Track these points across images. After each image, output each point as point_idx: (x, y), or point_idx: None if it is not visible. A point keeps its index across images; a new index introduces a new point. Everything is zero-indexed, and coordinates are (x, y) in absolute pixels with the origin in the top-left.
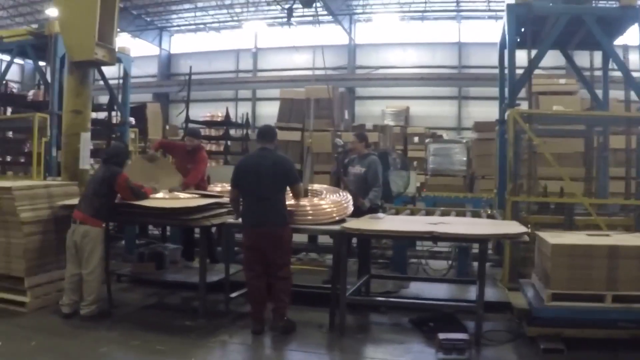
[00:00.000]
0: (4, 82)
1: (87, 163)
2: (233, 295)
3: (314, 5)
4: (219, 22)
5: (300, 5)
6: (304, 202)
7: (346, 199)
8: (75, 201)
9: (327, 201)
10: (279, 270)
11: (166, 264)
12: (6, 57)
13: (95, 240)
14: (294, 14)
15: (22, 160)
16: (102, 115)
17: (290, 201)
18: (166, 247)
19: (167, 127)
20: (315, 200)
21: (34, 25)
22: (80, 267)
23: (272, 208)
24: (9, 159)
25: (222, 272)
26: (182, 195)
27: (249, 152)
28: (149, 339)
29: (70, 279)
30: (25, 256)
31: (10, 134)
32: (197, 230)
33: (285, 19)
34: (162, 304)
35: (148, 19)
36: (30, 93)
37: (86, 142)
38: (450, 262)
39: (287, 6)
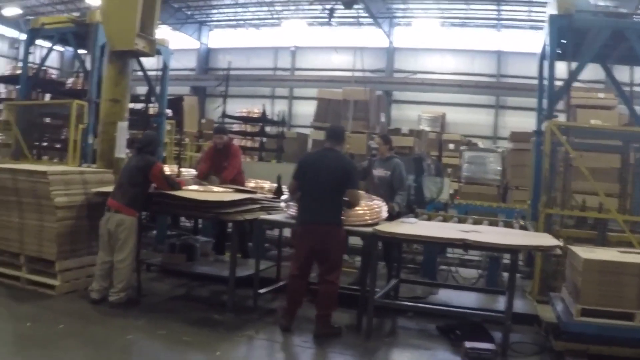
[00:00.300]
0: (44, 68)
1: (122, 152)
2: (262, 291)
3: (354, 7)
4: (259, 19)
5: (341, 6)
6: None
7: (379, 205)
8: (109, 189)
9: (361, 205)
10: (327, 274)
11: (197, 256)
12: (47, 44)
13: (130, 229)
14: (335, 15)
15: (58, 146)
16: (139, 106)
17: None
18: (198, 239)
19: (203, 120)
20: None
21: (76, 14)
22: (112, 254)
23: (328, 207)
24: (45, 144)
25: (252, 268)
26: (215, 188)
27: (314, 150)
28: (175, 329)
29: (102, 265)
30: (57, 240)
31: (47, 119)
32: (230, 224)
33: (325, 19)
34: (191, 296)
35: (188, 13)
36: (69, 81)
37: (123, 131)
38: (480, 271)
39: (328, 6)
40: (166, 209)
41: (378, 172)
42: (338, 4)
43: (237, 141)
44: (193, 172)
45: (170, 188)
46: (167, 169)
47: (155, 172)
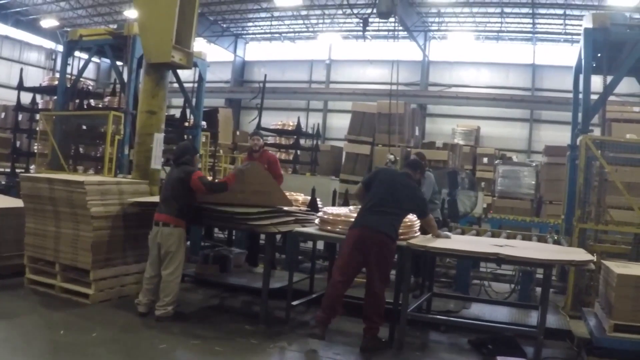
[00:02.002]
0: (81, 79)
1: (158, 163)
2: (295, 303)
3: (389, 18)
4: (294, 32)
5: (376, 17)
6: None
7: (412, 219)
8: (145, 199)
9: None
10: (376, 285)
11: (230, 267)
12: (84, 56)
13: (180, 240)
14: (369, 28)
15: (94, 156)
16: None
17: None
18: (231, 250)
19: (238, 132)
20: None
21: (113, 26)
22: (160, 268)
23: (390, 220)
24: (81, 154)
25: (285, 280)
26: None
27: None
28: (208, 339)
29: (150, 280)
30: (92, 249)
31: (84, 130)
32: (262, 236)
33: (360, 32)
34: (224, 306)
35: (224, 26)
36: (106, 99)
37: (159, 142)
38: (513, 285)
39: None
40: (200, 220)
41: None
42: (372, 15)
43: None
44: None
45: (212, 192)
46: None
47: (194, 180)
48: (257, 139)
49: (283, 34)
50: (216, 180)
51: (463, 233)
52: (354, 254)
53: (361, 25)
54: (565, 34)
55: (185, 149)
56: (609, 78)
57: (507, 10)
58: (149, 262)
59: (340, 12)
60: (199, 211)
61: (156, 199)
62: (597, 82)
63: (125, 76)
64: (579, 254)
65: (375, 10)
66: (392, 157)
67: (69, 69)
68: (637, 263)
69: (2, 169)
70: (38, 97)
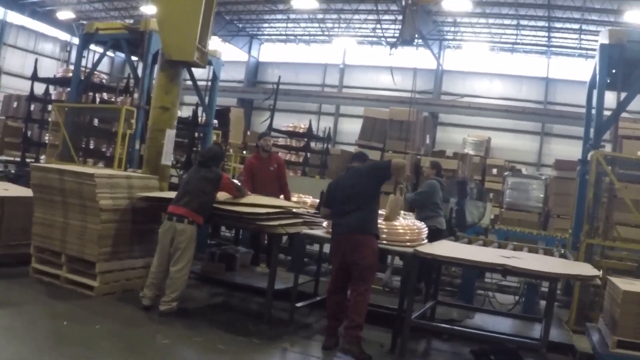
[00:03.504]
0: (95, 72)
1: (169, 159)
2: (299, 304)
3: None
4: (310, 35)
5: (391, 24)
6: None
7: (420, 227)
8: (154, 194)
9: (401, 224)
10: (357, 284)
11: (236, 266)
12: (99, 49)
13: (191, 237)
14: (385, 34)
15: (104, 149)
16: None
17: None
18: (238, 249)
19: (249, 133)
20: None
21: (129, 21)
22: (168, 263)
23: (360, 216)
24: (91, 147)
25: (290, 281)
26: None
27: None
28: (210, 337)
29: (157, 274)
30: (99, 242)
31: (96, 123)
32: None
33: (374, 38)
34: (228, 305)
35: (240, 25)
36: (119, 100)
37: (171, 138)
38: (517, 297)
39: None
40: (210, 218)
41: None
42: (399, 43)
43: (282, 155)
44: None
45: (239, 193)
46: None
47: (225, 182)
48: (268, 139)
49: (298, 37)
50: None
51: (470, 243)
52: (335, 263)
53: (376, 31)
54: (580, 48)
55: (216, 155)
56: (623, 94)
57: (523, 22)
58: (157, 255)
59: (356, 17)
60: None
61: (165, 194)
62: (610, 98)
63: (139, 71)
64: (585, 269)
65: (399, 39)
66: (404, 184)
67: (83, 62)
68: None
69: (12, 158)
70: (51, 88)
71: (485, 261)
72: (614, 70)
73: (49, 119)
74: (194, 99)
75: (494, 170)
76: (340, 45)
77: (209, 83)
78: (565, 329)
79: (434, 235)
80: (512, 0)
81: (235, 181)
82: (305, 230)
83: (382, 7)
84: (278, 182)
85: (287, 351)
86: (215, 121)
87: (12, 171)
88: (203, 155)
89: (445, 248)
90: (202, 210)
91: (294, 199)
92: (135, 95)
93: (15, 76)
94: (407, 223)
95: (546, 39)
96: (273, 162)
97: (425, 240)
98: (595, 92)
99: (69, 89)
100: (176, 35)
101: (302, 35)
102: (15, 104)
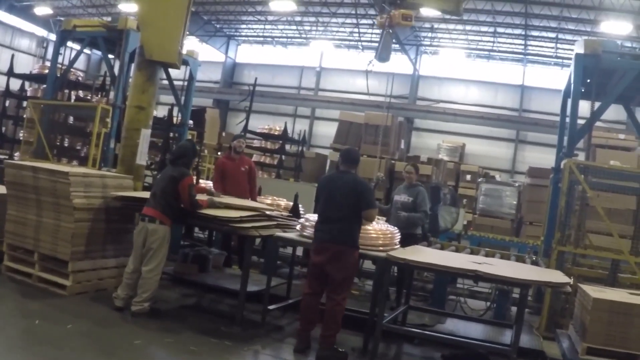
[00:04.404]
0: (71, 70)
1: (144, 159)
2: (271, 307)
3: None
4: (287, 37)
5: (369, 28)
6: None
7: (394, 231)
8: (127, 194)
9: (374, 228)
10: (334, 293)
11: (209, 267)
12: (76, 46)
13: (163, 238)
14: (362, 39)
15: (79, 148)
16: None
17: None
18: (211, 251)
19: (224, 134)
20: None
21: (107, 18)
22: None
23: (343, 227)
24: (66, 145)
25: (262, 283)
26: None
27: (329, 172)
28: (182, 338)
29: (131, 275)
30: (72, 241)
31: (71, 121)
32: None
33: (351, 42)
34: (200, 306)
35: (217, 26)
36: (95, 100)
37: (146, 138)
38: (488, 303)
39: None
40: (183, 218)
41: (401, 197)
42: (374, 60)
43: (257, 157)
44: (210, 184)
45: (189, 205)
46: (203, 184)
47: (184, 184)
48: (241, 141)
49: (275, 39)
50: (196, 198)
51: (442, 248)
52: (315, 269)
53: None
54: (556, 57)
55: (185, 151)
56: (597, 104)
57: (500, 30)
58: (132, 256)
59: (334, 20)
60: (182, 211)
61: (139, 194)
62: (584, 107)
63: (116, 70)
64: (556, 276)
65: (376, 56)
66: (381, 175)
67: (60, 59)
68: (613, 288)
69: None
70: (27, 85)
71: (457, 267)
72: (588, 80)
73: (24, 116)
74: (169, 98)
75: (468, 177)
76: (317, 48)
77: (185, 83)
78: (536, 335)
79: (414, 240)
80: (489, 8)
81: (210, 185)
82: (279, 233)
83: (361, 11)
84: (248, 184)
85: (259, 353)
86: (191, 121)
87: None
88: (173, 153)
89: (418, 253)
90: (168, 211)
91: (268, 201)
92: (112, 94)
93: None
94: (380, 228)
95: (522, 47)
96: (244, 164)
97: (398, 245)
98: (569, 101)
99: (44, 86)
100: (159, 36)
101: (279, 37)
102: None
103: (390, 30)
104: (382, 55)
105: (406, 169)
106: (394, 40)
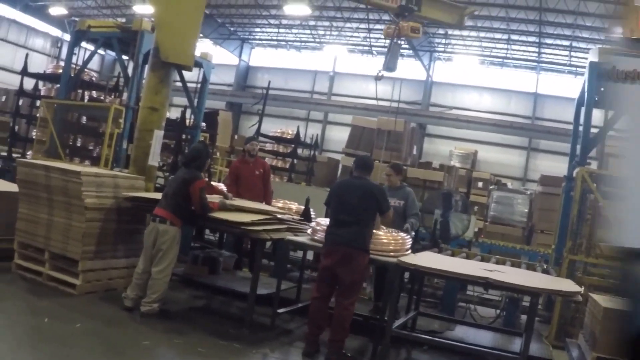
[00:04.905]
0: (85, 70)
1: (156, 160)
2: (281, 310)
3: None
4: (301, 41)
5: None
6: None
7: (405, 237)
8: (139, 194)
9: (386, 234)
10: (343, 298)
11: (219, 269)
12: (90, 47)
13: (173, 239)
14: (375, 44)
15: (91, 148)
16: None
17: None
18: (221, 253)
19: (236, 137)
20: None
21: (121, 19)
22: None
23: (356, 232)
24: (78, 145)
25: (272, 286)
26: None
27: (343, 177)
28: (191, 340)
29: (142, 275)
30: (83, 240)
31: (84, 121)
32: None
33: (365, 47)
34: (209, 308)
35: (232, 29)
36: (108, 100)
37: (158, 139)
38: (498, 311)
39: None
40: (194, 220)
41: (391, 202)
42: (382, 70)
43: (269, 160)
44: (222, 186)
45: (200, 208)
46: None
47: (195, 187)
48: (255, 144)
49: (289, 42)
50: (208, 200)
51: (453, 255)
52: (324, 272)
53: (367, 40)
54: (570, 65)
55: (199, 154)
56: (611, 113)
57: (514, 37)
58: (142, 256)
59: (348, 25)
60: (193, 213)
61: (151, 195)
62: (597, 116)
63: (129, 71)
64: (567, 285)
65: (384, 66)
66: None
67: (74, 59)
68: None
69: None
70: (40, 84)
71: (468, 274)
72: (602, 88)
73: (37, 115)
74: (183, 100)
75: (480, 184)
76: (330, 53)
77: (199, 85)
78: (545, 344)
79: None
80: (503, 15)
81: (222, 187)
82: (290, 237)
83: (374, 16)
84: (262, 187)
85: (268, 356)
86: (203, 124)
87: None
88: (186, 155)
89: (429, 259)
90: (178, 212)
91: (280, 204)
92: (125, 95)
93: (4, 70)
94: (391, 233)
95: (536, 54)
96: (259, 167)
97: (409, 251)
98: (583, 109)
99: (58, 86)
100: (175, 38)
101: (293, 41)
102: (3, 98)
103: (399, 41)
104: (390, 65)
105: (385, 171)
106: (407, 46)
